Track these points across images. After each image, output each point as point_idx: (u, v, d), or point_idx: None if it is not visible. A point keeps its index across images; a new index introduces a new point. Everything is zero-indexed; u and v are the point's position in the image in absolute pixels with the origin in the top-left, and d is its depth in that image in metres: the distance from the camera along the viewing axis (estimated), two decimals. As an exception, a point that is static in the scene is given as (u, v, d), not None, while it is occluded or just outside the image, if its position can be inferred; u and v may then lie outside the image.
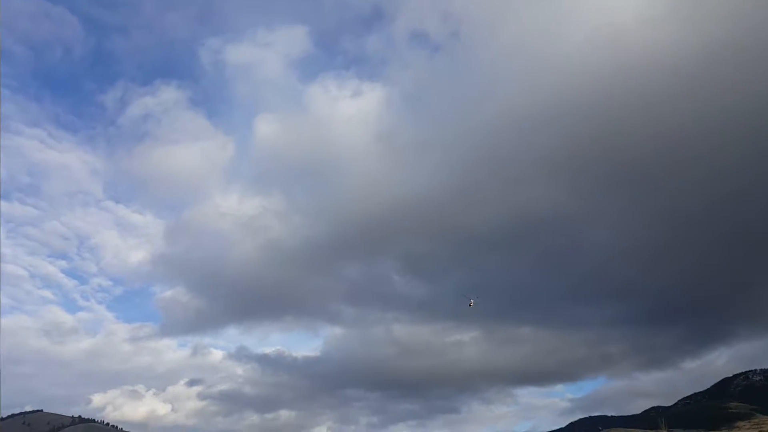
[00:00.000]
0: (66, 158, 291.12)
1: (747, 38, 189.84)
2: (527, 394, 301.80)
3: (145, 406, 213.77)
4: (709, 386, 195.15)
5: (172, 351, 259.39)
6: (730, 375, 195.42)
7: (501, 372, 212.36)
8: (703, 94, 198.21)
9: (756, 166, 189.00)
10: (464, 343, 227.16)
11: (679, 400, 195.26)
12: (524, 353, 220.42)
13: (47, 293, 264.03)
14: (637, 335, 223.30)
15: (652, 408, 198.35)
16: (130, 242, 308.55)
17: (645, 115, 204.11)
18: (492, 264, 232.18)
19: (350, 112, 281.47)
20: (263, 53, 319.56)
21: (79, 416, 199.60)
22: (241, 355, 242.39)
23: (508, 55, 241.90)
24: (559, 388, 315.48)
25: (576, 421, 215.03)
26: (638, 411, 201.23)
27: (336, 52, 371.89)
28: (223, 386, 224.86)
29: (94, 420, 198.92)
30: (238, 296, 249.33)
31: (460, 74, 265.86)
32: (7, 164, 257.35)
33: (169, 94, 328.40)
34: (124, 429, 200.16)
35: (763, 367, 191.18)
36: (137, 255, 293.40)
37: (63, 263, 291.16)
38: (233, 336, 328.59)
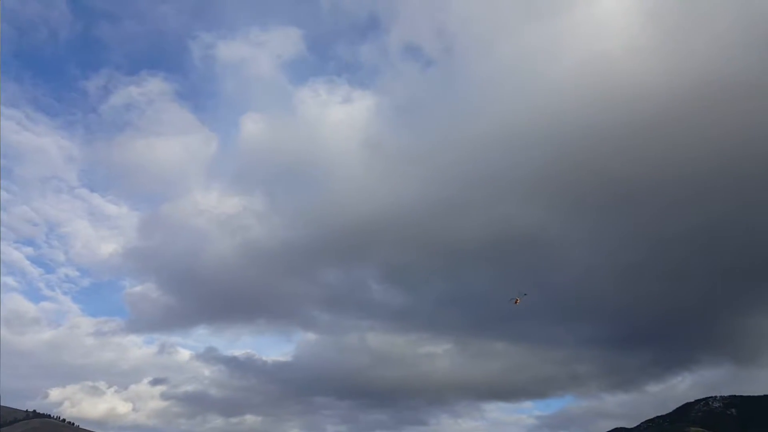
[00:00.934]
0: (42, 142, 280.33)
1: (733, 73, 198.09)
2: (496, 410, 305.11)
3: (105, 404, 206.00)
4: (671, 410, 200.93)
5: (137, 348, 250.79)
6: (692, 400, 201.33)
7: (471, 386, 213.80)
8: (686, 126, 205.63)
9: (733, 198, 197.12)
10: (437, 355, 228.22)
11: (641, 422, 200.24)
12: (496, 368, 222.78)
13: (10, 280, 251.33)
14: (605, 356, 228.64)
15: (616, 429, 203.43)
16: (102, 233, 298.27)
17: (628, 142, 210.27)
18: (470, 278, 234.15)
19: (339, 117, 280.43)
20: (255, 52, 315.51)
21: (34, 411, 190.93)
22: (209, 356, 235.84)
23: (500, 74, 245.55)
24: (528, 404, 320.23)
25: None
26: (602, 431, 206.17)
27: (329, 57, 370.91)
28: (189, 387, 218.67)
29: (49, 415, 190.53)
30: (211, 296, 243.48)
31: (451, 90, 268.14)
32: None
33: (155, 85, 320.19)
34: (81, 426, 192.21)
35: (722, 394, 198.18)
36: (108, 247, 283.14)
37: (29, 250, 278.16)
38: (203, 336, 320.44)
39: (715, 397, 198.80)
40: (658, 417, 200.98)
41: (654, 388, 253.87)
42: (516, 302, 62.44)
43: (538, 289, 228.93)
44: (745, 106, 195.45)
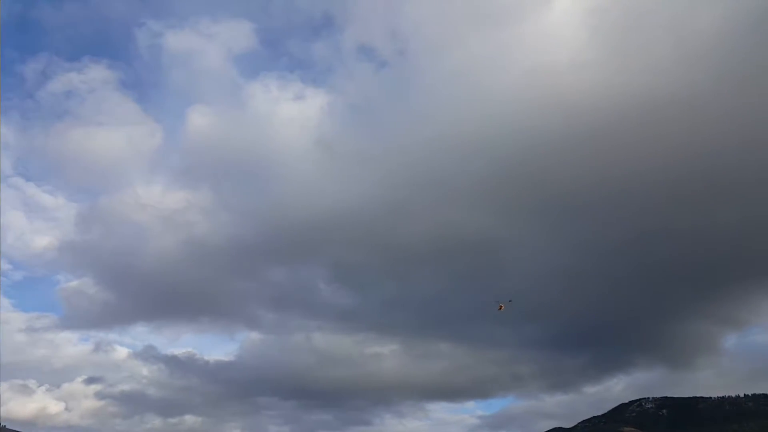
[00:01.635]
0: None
1: (672, 91, 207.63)
2: (439, 410, 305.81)
3: (36, 403, 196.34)
4: (606, 410, 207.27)
5: (71, 345, 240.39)
6: (626, 401, 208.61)
7: (416, 386, 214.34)
8: (625, 139, 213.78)
9: (671, 208, 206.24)
10: (383, 355, 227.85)
11: (578, 422, 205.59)
12: (440, 369, 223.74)
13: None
14: (545, 357, 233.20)
15: (554, 429, 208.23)
16: (37, 225, 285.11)
17: (570, 153, 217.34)
18: (417, 279, 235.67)
19: (291, 114, 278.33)
20: (205, 44, 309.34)
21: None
22: (148, 354, 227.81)
23: (451, 79, 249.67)
24: (471, 404, 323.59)
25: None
26: (541, 431, 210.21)
27: (281, 53, 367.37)
28: (125, 386, 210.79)
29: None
30: (152, 292, 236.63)
31: (404, 92, 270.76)
32: None
33: (97, 73, 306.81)
34: (8, 427, 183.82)
35: (655, 396, 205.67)
36: (43, 239, 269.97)
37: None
38: (141, 334, 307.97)
39: (648, 398, 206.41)
40: (594, 417, 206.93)
41: (591, 389, 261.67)
42: (500, 308, 62.60)
43: (480, 291, 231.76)
44: (683, 122, 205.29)
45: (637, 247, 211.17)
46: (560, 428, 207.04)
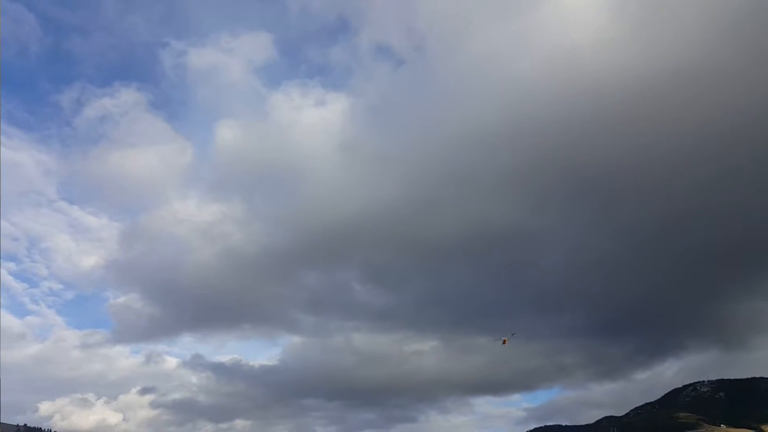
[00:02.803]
0: (19, 156, 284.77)
1: (703, 61, 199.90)
2: (484, 404, 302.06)
3: (95, 415, 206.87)
4: (659, 397, 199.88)
5: (124, 358, 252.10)
6: (680, 386, 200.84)
7: (459, 381, 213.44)
8: (662, 115, 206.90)
9: (713, 188, 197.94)
10: (423, 352, 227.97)
11: (630, 410, 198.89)
12: (482, 363, 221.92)
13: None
14: (591, 346, 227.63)
15: (605, 418, 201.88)
16: (83, 246, 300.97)
17: (606, 134, 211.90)
18: (452, 275, 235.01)
19: (313, 120, 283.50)
20: (226, 58, 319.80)
21: (25, 425, 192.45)
22: (196, 363, 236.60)
23: (471, 71, 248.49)
24: (516, 397, 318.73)
25: (531, 431, 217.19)
26: (591, 421, 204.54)
27: (300, 60, 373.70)
28: (177, 395, 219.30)
29: (40, 429, 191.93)
30: (194, 303, 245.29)
31: (424, 88, 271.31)
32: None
33: (128, 96, 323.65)
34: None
35: (709, 379, 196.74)
36: (90, 259, 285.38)
37: (12, 265, 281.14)
38: (188, 344, 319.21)
39: (703, 381, 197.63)
40: (647, 404, 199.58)
41: (641, 376, 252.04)
42: (504, 342, 63.58)
43: (517, 283, 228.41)
44: (710, 94, 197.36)
45: (679, 227, 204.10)
46: (611, 417, 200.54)
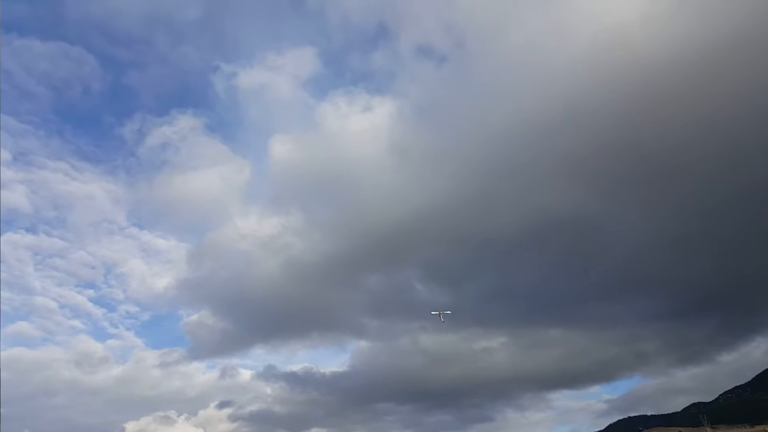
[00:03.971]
0: (89, 188, 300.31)
1: (755, 32, 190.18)
2: (562, 398, 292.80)
3: (178, 431, 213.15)
4: (750, 379, 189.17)
5: (201, 374, 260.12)
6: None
7: (533, 377, 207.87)
8: (715, 88, 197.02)
9: None
10: (493, 349, 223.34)
11: (720, 395, 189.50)
12: (555, 356, 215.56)
13: (77, 323, 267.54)
14: (669, 330, 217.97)
15: (693, 404, 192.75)
16: (155, 268, 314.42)
17: (658, 111, 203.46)
18: (514, 267, 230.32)
19: (362, 126, 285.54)
20: (274, 76, 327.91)
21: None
22: (269, 374, 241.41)
23: (515, 61, 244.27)
24: (595, 389, 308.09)
25: (615, 423, 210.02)
26: (678, 408, 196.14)
27: (344, 69, 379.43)
28: (254, 407, 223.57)
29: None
30: (263, 315, 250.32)
31: (469, 83, 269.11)
32: (34, 199, 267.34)
33: (185, 122, 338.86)
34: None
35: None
36: (163, 280, 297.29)
37: (91, 292, 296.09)
38: (260, 355, 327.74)
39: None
40: (737, 387, 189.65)
41: (727, 358, 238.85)
42: (441, 319, 62.46)
43: (585, 270, 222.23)
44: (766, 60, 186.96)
45: (752, 198, 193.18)
46: (700, 403, 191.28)
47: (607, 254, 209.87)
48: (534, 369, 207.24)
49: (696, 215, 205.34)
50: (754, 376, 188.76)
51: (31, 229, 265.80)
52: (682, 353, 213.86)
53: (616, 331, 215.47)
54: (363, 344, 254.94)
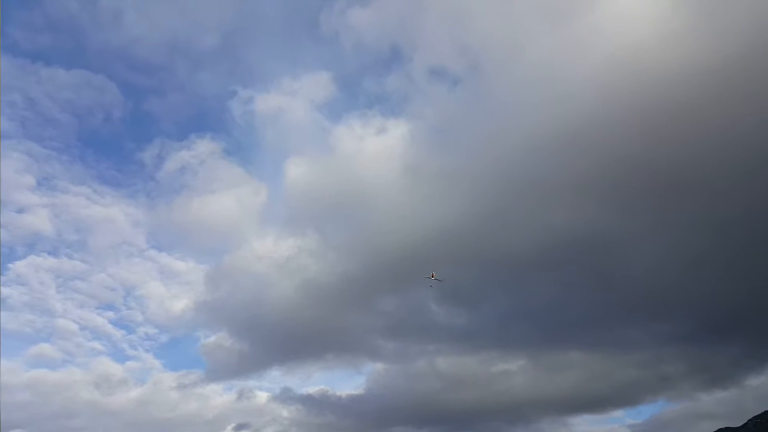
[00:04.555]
0: (110, 212, 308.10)
1: None
2: (583, 423, 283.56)
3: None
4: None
5: (218, 396, 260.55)
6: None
7: (553, 400, 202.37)
8: (729, 102, 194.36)
9: None
10: (511, 372, 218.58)
11: (749, 420, 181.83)
12: (575, 379, 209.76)
13: (97, 345, 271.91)
14: (693, 352, 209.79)
15: (720, 429, 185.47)
16: (173, 290, 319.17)
17: (672, 127, 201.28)
18: (530, 288, 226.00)
19: (376, 148, 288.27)
20: (290, 100, 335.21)
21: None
22: (285, 396, 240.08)
23: (528, 79, 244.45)
24: (617, 413, 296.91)
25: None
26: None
27: (358, 92, 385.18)
28: (270, 429, 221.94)
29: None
30: (279, 337, 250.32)
31: (482, 104, 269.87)
32: (56, 222, 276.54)
33: (203, 146, 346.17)
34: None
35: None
36: (180, 302, 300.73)
37: (111, 314, 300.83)
38: (277, 377, 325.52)
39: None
40: (766, 412, 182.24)
41: (754, 382, 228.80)
42: (432, 277, 62.35)
43: (607, 291, 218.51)
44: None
45: (765, 214, 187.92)
46: (728, 428, 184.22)
47: (625, 272, 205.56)
48: (554, 392, 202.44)
49: (715, 231, 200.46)
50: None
51: (53, 252, 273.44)
52: (708, 376, 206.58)
53: (637, 352, 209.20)
54: (379, 366, 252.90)
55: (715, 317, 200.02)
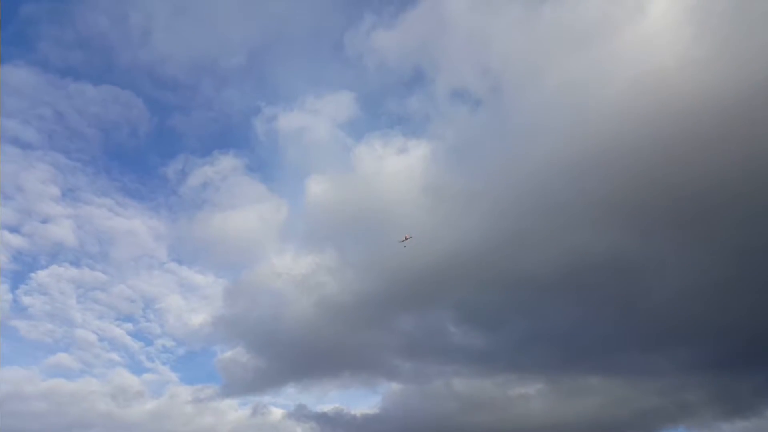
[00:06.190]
0: (132, 224, 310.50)
1: None
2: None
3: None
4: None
5: (233, 411, 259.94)
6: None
7: (571, 425, 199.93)
8: (753, 131, 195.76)
9: None
10: (529, 396, 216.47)
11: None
12: (594, 405, 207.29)
13: (115, 356, 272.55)
14: (714, 380, 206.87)
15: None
16: (192, 303, 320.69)
17: (697, 154, 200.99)
18: (551, 311, 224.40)
19: (397, 168, 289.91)
20: (313, 119, 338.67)
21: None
22: (300, 414, 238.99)
23: (550, 103, 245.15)
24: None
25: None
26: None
27: (380, 113, 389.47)
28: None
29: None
30: (296, 354, 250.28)
31: (503, 126, 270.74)
32: (79, 233, 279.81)
33: (226, 162, 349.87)
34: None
35: None
36: (199, 316, 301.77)
37: (129, 326, 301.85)
38: (292, 394, 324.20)
39: None
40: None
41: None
42: (406, 239, 63.24)
43: (627, 316, 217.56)
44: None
45: None
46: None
47: (646, 298, 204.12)
48: (572, 417, 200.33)
49: (737, 258, 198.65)
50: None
51: (75, 263, 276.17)
52: (729, 405, 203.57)
53: (657, 379, 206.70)
54: (395, 386, 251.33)
55: (738, 346, 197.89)
